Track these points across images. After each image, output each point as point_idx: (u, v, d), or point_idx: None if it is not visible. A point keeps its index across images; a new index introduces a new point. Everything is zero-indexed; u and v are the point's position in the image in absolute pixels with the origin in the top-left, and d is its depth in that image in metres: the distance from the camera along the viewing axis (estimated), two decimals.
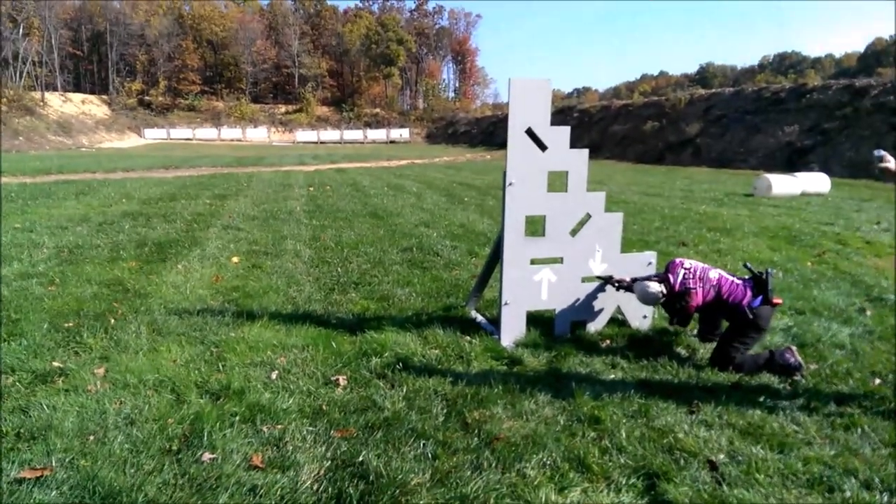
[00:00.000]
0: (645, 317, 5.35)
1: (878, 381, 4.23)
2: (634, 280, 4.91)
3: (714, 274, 4.61)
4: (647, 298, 4.75)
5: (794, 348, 4.42)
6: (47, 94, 67.98)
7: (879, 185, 20.74)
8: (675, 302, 4.62)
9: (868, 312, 5.81)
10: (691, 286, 4.53)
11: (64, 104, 69.29)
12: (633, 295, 5.01)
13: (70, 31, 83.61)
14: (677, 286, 4.57)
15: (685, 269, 4.62)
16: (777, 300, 4.48)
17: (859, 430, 3.52)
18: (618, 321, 5.45)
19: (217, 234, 9.64)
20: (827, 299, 6.22)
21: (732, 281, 4.57)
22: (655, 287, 4.67)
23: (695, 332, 5.11)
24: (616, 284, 5.07)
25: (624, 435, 3.40)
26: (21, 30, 66.72)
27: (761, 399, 3.92)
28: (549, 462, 3.14)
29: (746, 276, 4.63)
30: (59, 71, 78.90)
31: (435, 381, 4.11)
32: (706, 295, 4.53)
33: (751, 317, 4.37)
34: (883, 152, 3.94)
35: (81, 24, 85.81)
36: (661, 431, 3.46)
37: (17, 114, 56.86)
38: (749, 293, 4.46)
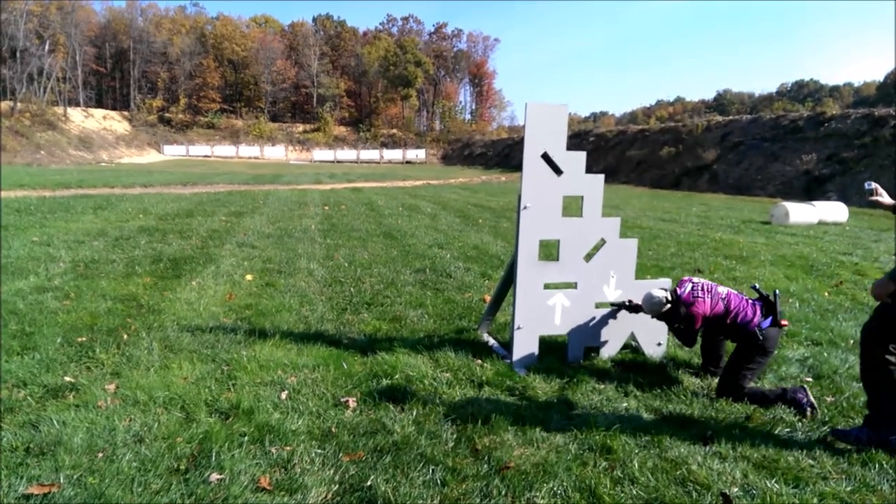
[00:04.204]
0: (659, 344, 5.29)
1: None
2: None
3: (723, 289, 4.57)
4: (651, 305, 4.69)
5: (806, 388, 4.33)
6: (69, 110, 69.15)
7: None
8: (680, 308, 4.56)
9: None
10: (699, 296, 4.49)
11: (85, 119, 70.38)
12: (647, 321, 4.97)
13: (94, 48, 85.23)
14: (685, 296, 4.53)
15: (694, 283, 4.61)
16: (784, 322, 4.43)
17: (877, 465, 3.43)
18: (632, 348, 5.40)
19: (232, 252, 9.69)
20: (844, 330, 6.14)
21: (743, 298, 4.52)
22: (660, 293, 4.65)
23: (701, 361, 5.04)
24: (627, 304, 5.02)
25: (636, 465, 3.34)
26: (47, 46, 67.97)
27: (776, 431, 3.85)
28: (559, 492, 3.09)
29: (755, 298, 4.57)
30: (82, 87, 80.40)
31: (445, 405, 4.08)
32: (714, 307, 4.47)
33: (760, 338, 4.31)
34: (873, 185, 3.96)
35: (106, 42, 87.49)
36: (674, 463, 3.40)
37: (40, 128, 57.86)
38: (759, 314, 4.41)
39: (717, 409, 4.17)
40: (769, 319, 4.37)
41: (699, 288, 4.54)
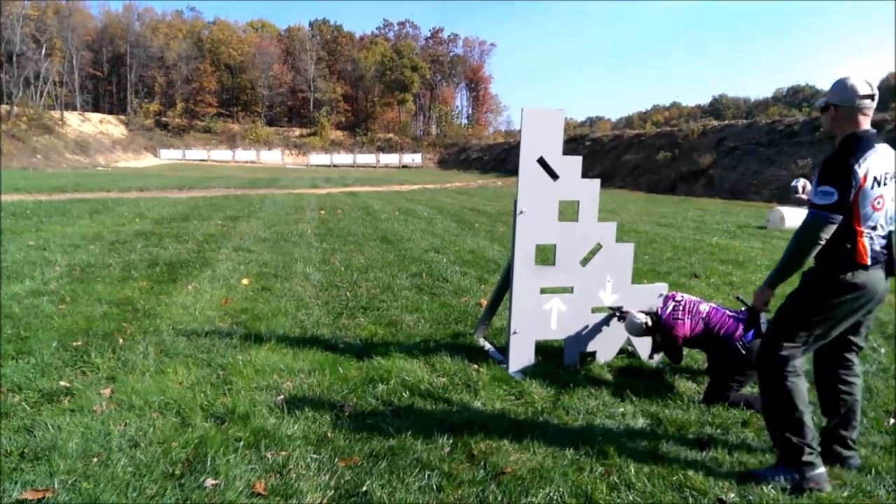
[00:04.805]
0: None
1: (892, 420, 4.15)
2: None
3: (704, 307, 4.59)
4: (632, 328, 4.78)
5: None
6: (66, 114, 69.04)
7: None
8: (659, 332, 4.62)
9: (882, 350, 5.71)
10: (679, 317, 4.51)
11: (82, 123, 70.32)
12: None
13: (91, 53, 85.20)
14: (665, 317, 4.56)
15: (676, 301, 4.65)
16: None
17: (873, 471, 3.43)
18: (628, 353, 5.40)
19: (228, 256, 9.67)
20: None
21: (724, 313, 4.52)
22: (641, 317, 4.72)
23: (706, 366, 5.05)
24: (618, 315, 5.04)
25: (632, 471, 3.33)
26: (43, 50, 67.92)
27: None
28: (556, 497, 3.08)
29: (742, 309, 4.57)
30: (79, 91, 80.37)
31: (441, 410, 4.08)
32: (694, 327, 4.49)
33: (743, 352, 4.30)
34: (801, 182, 4.02)
35: (102, 46, 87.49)
36: (671, 468, 3.39)
37: (36, 132, 57.75)
38: (741, 327, 4.39)
39: (713, 415, 4.17)
40: (752, 332, 4.32)
41: (680, 308, 4.58)
